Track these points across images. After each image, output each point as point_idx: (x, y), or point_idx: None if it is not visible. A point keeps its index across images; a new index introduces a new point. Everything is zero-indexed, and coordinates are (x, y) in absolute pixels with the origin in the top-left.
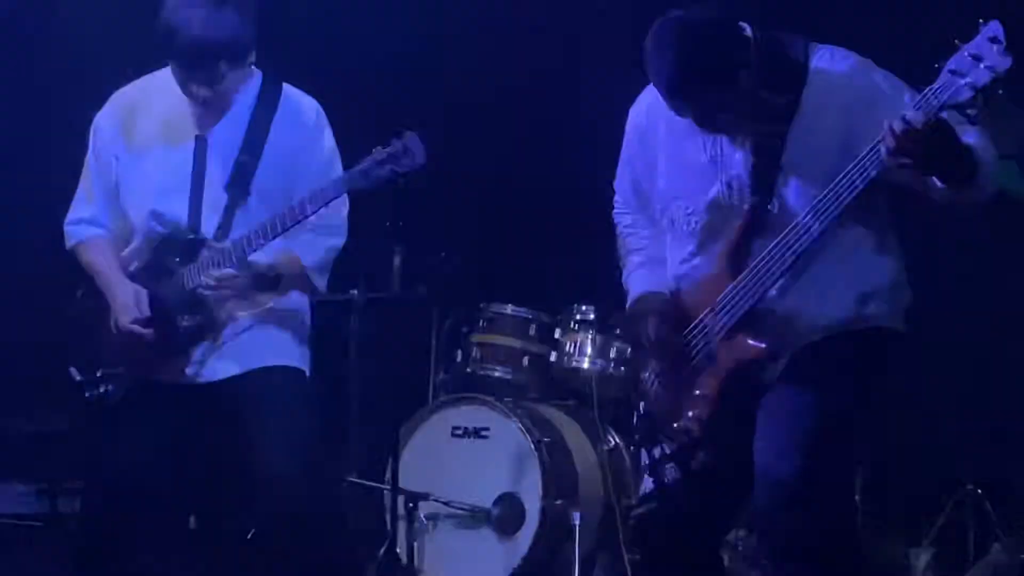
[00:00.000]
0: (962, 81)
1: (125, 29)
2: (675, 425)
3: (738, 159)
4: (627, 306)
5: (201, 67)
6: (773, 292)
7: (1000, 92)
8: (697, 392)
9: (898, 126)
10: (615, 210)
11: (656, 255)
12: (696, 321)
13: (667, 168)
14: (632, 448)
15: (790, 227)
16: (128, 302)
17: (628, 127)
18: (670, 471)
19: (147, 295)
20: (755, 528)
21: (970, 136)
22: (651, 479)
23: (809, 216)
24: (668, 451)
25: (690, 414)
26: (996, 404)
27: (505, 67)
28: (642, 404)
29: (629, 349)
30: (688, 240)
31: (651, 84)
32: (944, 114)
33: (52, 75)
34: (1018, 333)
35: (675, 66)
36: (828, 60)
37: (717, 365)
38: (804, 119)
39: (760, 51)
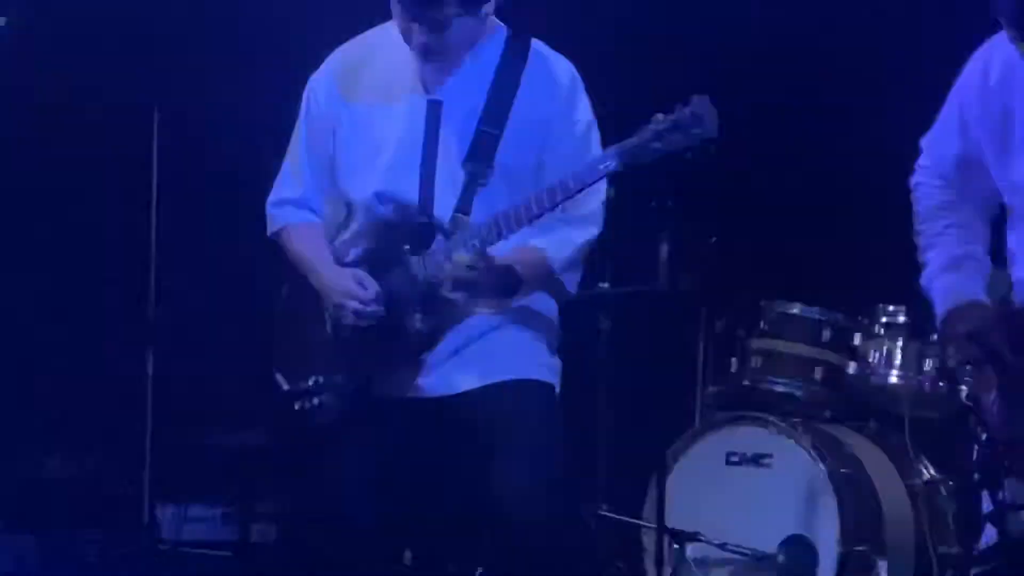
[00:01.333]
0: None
1: None
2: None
3: None
4: (939, 320)
5: (424, 8)
6: None
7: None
8: None
9: None
10: (918, 179)
11: (970, 251)
12: None
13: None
14: (952, 484)
15: None
16: (350, 287)
17: (963, 81)
18: (1019, 523)
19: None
20: None
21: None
22: (995, 529)
23: None
24: (1022, 499)
25: None
26: None
27: (800, 27)
28: (984, 431)
29: (951, 360)
30: None
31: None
32: None
33: (256, 32)
34: None
35: None
36: None
37: None
38: None
39: None
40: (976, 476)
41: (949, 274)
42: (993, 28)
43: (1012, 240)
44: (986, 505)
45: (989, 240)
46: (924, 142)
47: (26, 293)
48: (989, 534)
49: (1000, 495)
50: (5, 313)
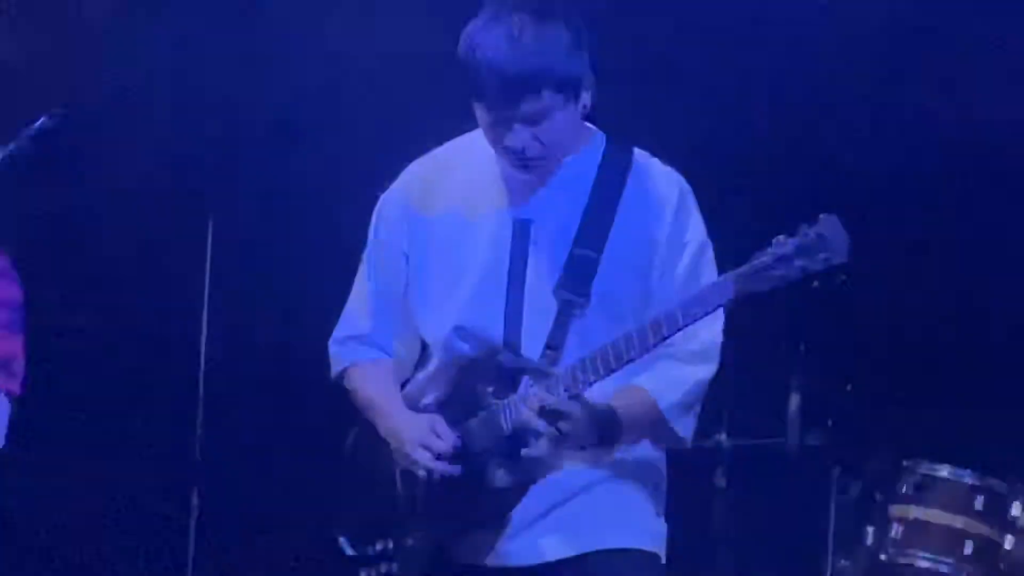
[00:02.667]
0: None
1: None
2: None
3: None
4: None
5: (517, 100)
6: None
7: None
8: None
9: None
10: None
11: None
12: None
13: None
14: None
15: None
16: (425, 437)
17: None
18: None
19: (447, 426)
20: None
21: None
22: None
23: None
24: None
25: None
26: None
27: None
28: None
29: None
30: None
31: None
32: None
33: (332, 145)
34: None
35: None
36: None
37: None
38: None
39: None
40: None
41: None
42: None
43: None
44: None
45: None
46: None
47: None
48: None
49: None
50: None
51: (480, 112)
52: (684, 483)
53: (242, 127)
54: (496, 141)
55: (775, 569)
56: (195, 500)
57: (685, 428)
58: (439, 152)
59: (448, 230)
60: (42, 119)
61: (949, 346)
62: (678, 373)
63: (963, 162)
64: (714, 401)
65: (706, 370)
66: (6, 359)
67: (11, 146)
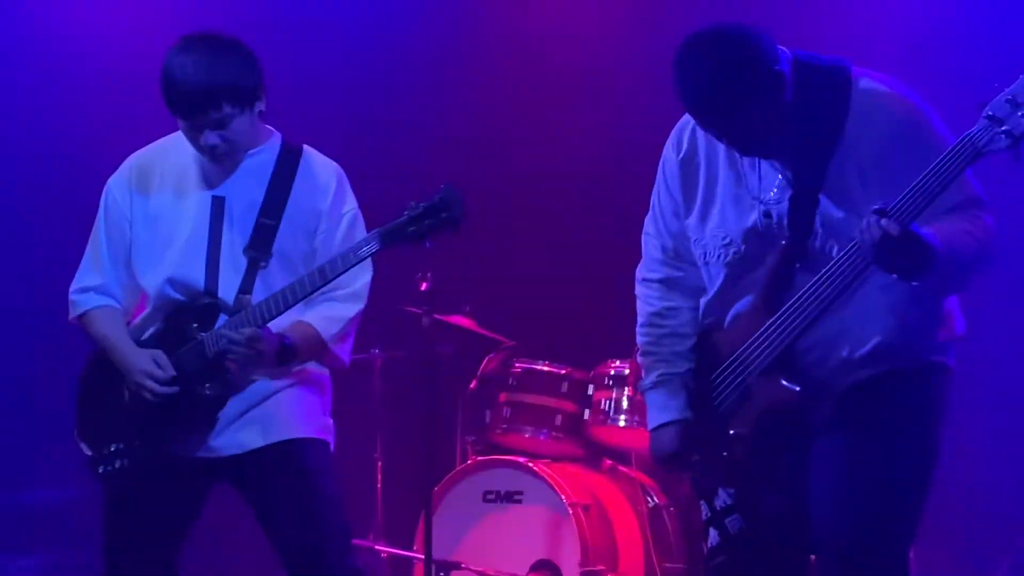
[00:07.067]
0: (999, 128)
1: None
2: (705, 462)
3: (776, 188)
4: (650, 434)
5: (204, 110)
6: (812, 329)
7: None
8: (732, 432)
9: (874, 232)
10: (645, 271)
11: (674, 369)
12: (732, 357)
13: (704, 198)
14: (673, 509)
15: (832, 262)
16: (147, 366)
17: (666, 157)
18: (733, 522)
19: (166, 357)
20: None
21: (937, 231)
22: (715, 531)
23: (849, 251)
24: (729, 502)
25: (724, 453)
26: None
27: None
28: (697, 454)
29: None
30: (722, 271)
31: (682, 120)
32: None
33: (68, 136)
34: None
35: (708, 77)
36: (870, 84)
37: (751, 403)
38: (845, 148)
39: (799, 72)
40: (695, 490)
41: (658, 391)
42: None
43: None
44: (705, 512)
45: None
46: (647, 227)
47: None
48: (713, 536)
49: (715, 504)
50: None
51: (179, 121)
52: (350, 388)
53: None
54: (193, 141)
55: (420, 446)
56: None
57: (344, 352)
58: (153, 146)
59: (161, 206)
60: None
61: (544, 272)
62: (337, 311)
63: None
64: (367, 321)
65: (358, 308)
66: None
67: None
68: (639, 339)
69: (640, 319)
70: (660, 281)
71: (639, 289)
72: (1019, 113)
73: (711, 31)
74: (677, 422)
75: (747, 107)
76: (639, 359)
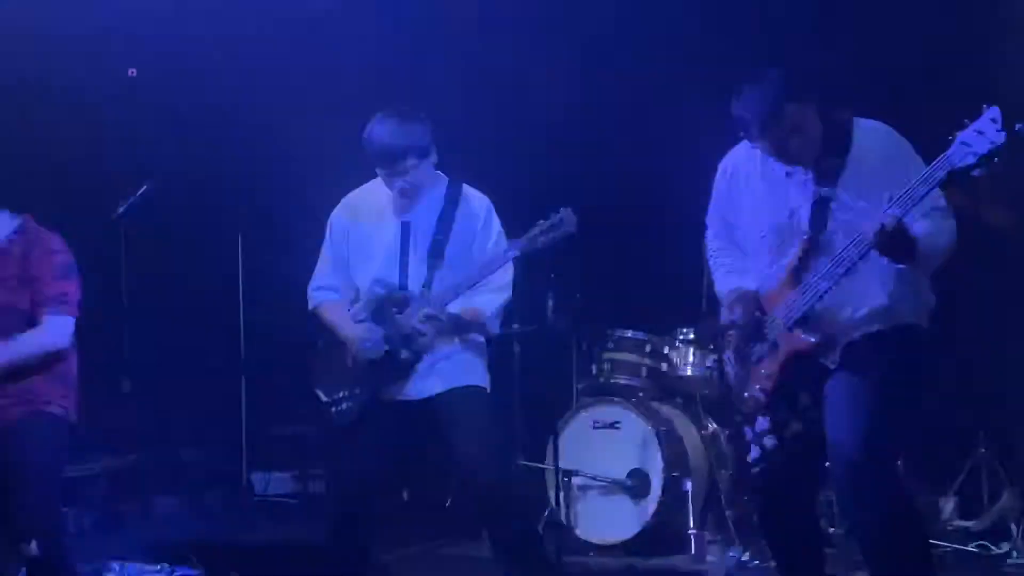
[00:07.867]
0: (968, 150)
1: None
2: (744, 395)
3: (799, 197)
4: (723, 299)
5: (395, 163)
6: (825, 297)
7: (995, 161)
8: (763, 371)
9: (889, 222)
10: (708, 239)
11: (740, 267)
12: (767, 317)
13: (749, 203)
14: (727, 432)
15: (842, 248)
16: (365, 336)
17: (718, 175)
18: (768, 440)
19: (378, 331)
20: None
21: (919, 228)
22: (756, 447)
23: (855, 240)
24: (766, 426)
25: (757, 387)
26: (1001, 386)
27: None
28: (725, 383)
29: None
30: (762, 256)
31: (736, 147)
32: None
33: (302, 183)
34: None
35: (764, 94)
36: (868, 121)
37: (778, 351)
38: (852, 172)
39: (820, 112)
40: (738, 418)
41: (730, 275)
42: None
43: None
44: (748, 434)
45: (747, 262)
46: (707, 219)
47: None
48: (754, 451)
49: (756, 427)
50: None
51: (378, 170)
52: (499, 352)
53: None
54: (389, 184)
55: (547, 391)
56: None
57: (495, 327)
58: (360, 189)
59: (368, 228)
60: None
61: (632, 266)
62: (493, 297)
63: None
64: (513, 307)
65: (506, 294)
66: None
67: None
68: (713, 264)
69: (711, 254)
70: (718, 248)
71: (710, 261)
72: (983, 139)
73: (761, 70)
74: (744, 289)
75: (790, 118)
76: (713, 271)
